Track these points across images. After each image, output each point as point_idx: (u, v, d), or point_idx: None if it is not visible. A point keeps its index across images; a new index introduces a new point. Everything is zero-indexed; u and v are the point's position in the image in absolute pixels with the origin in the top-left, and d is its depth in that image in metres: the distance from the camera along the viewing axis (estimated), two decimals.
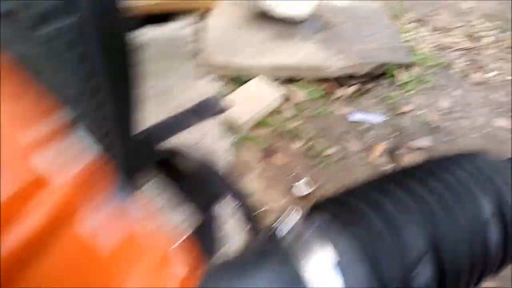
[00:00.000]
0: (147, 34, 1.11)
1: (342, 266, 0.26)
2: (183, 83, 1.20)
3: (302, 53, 1.92)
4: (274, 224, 0.29)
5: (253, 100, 1.72)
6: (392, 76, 1.97)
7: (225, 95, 1.73)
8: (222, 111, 0.45)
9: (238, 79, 1.84)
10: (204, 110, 0.44)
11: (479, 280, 0.30)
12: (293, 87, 1.89)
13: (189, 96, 1.16)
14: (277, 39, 1.98)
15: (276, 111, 1.79)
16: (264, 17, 2.04)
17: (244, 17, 2.07)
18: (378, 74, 1.98)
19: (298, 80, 1.92)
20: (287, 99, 1.84)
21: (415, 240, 0.27)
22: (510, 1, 2.46)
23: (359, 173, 1.60)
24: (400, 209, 0.28)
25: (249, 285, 0.27)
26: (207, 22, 2.00)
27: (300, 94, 1.87)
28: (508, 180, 0.30)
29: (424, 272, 0.27)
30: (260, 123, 1.72)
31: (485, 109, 1.89)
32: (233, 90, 1.77)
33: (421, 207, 0.28)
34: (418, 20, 2.38)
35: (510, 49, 2.18)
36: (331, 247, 0.26)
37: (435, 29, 2.32)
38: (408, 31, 2.27)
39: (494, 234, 0.29)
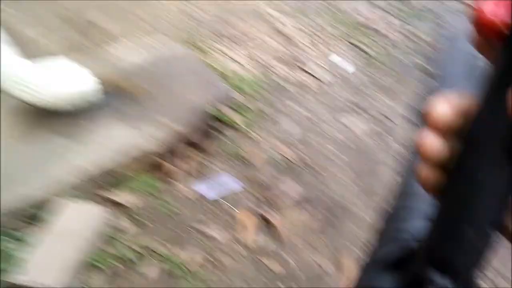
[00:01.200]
0: None
1: None
2: None
3: (109, 144, 1.48)
4: None
5: (74, 238, 1.23)
6: (225, 122, 1.68)
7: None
8: None
9: (37, 218, 1.30)
10: None
11: None
12: (119, 191, 1.44)
13: None
14: (70, 139, 1.49)
15: (111, 237, 1.32)
16: (44, 114, 1.52)
17: (17, 128, 1.52)
18: (208, 130, 1.66)
19: (120, 179, 1.47)
20: (116, 212, 1.38)
21: None
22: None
23: (241, 278, 1.26)
24: None
25: None
26: None
27: (131, 197, 1.43)
28: None
29: None
30: (94, 266, 1.24)
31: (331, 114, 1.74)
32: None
33: None
34: (220, 41, 2.13)
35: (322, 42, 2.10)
36: None
37: (241, 44, 2.11)
38: (216, 61, 2.00)
39: None
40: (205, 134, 1.66)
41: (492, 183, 0.19)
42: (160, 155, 1.54)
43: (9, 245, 1.21)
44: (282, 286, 1.23)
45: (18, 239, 1.24)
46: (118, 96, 1.69)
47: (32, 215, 1.30)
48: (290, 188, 1.50)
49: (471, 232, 0.21)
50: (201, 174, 1.54)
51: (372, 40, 2.15)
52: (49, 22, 2.45)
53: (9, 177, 1.34)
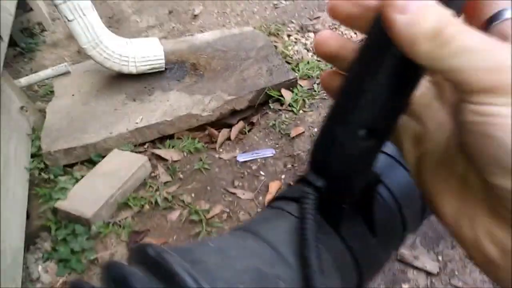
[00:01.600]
0: None
1: None
2: None
3: (164, 107, 1.61)
4: None
5: (107, 181, 1.38)
6: (278, 99, 1.68)
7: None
8: None
9: (91, 161, 1.50)
10: None
11: None
12: (164, 148, 1.56)
13: None
14: (134, 100, 1.67)
15: (145, 183, 1.44)
16: (121, 77, 1.75)
17: (94, 86, 1.78)
18: (261, 103, 1.68)
19: (168, 138, 1.60)
20: (157, 164, 1.50)
21: None
22: None
23: None
24: None
25: None
26: (48, 106, 1.71)
27: (173, 153, 1.54)
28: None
29: None
30: (124, 205, 1.37)
31: None
32: (85, 174, 1.43)
33: None
34: (299, 31, 2.14)
35: None
36: None
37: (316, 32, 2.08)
38: (288, 46, 2.01)
39: None
40: (256, 110, 1.68)
41: (372, 91, 0.19)
42: (209, 122, 1.62)
43: (61, 177, 1.42)
44: None
45: (69, 174, 1.44)
46: (184, 67, 1.84)
47: (88, 158, 1.50)
48: None
49: (341, 134, 0.21)
50: (241, 141, 1.56)
51: None
52: (157, 12, 2.79)
53: (78, 124, 1.58)
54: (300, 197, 0.23)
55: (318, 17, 2.19)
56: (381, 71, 0.19)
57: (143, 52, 1.73)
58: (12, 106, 1.57)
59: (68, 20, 1.55)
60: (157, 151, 1.54)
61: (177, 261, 0.19)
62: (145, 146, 1.57)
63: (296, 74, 1.74)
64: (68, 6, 1.53)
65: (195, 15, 2.56)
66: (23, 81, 1.87)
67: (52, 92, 2.03)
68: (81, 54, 2.59)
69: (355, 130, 0.21)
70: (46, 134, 1.54)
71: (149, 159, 1.49)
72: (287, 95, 1.65)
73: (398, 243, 0.30)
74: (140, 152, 1.53)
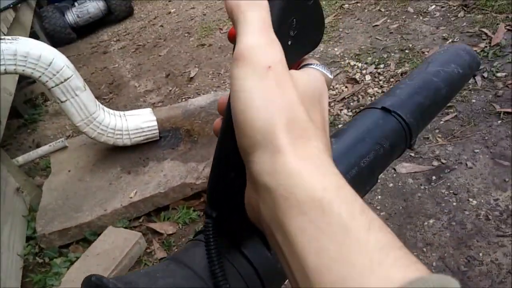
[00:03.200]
0: None
1: None
2: None
3: (158, 178, 1.61)
4: None
5: (102, 262, 1.35)
6: None
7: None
8: None
9: (86, 240, 1.49)
10: None
11: None
12: (159, 221, 1.55)
13: None
14: (129, 172, 1.68)
15: (141, 260, 1.41)
16: (115, 151, 1.77)
17: (89, 161, 1.79)
18: None
19: (163, 209, 1.58)
20: (152, 239, 1.48)
21: None
22: (376, 36, 2.31)
23: None
24: None
25: None
26: (44, 184, 1.72)
27: (168, 226, 1.52)
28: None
29: None
30: None
31: None
32: (80, 255, 1.41)
33: None
34: None
35: (387, 80, 1.94)
36: None
37: None
38: None
39: None
40: None
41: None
42: (204, 189, 1.61)
43: (56, 260, 1.40)
44: None
45: (64, 255, 1.42)
46: (178, 134, 1.85)
47: (82, 237, 1.49)
48: None
49: (218, 170, 0.28)
50: None
51: None
52: (155, 76, 2.86)
53: (73, 202, 1.58)
54: (204, 226, 0.30)
55: None
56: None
57: (137, 124, 1.76)
58: (7, 189, 1.59)
59: (61, 102, 1.59)
60: (151, 225, 1.52)
61: (113, 283, 0.25)
62: (140, 220, 1.56)
63: None
64: (60, 89, 1.57)
65: (191, 78, 2.62)
66: (21, 159, 1.90)
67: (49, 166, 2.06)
68: None
69: (226, 174, 0.28)
70: (41, 216, 1.54)
71: (144, 234, 1.47)
72: None
73: None
74: (135, 227, 1.51)
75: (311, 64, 0.28)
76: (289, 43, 0.27)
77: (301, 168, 0.21)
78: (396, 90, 0.48)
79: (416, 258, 0.19)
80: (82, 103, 1.62)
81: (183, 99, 2.42)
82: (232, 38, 0.26)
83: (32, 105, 3.06)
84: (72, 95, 1.60)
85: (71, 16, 4.41)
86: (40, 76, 1.56)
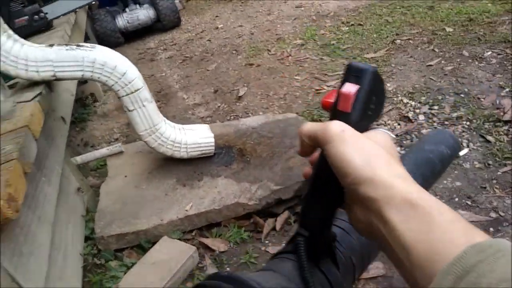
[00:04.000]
0: None
1: None
2: None
3: (213, 194, 1.66)
4: None
5: (158, 271, 1.40)
6: None
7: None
8: None
9: (141, 247, 1.54)
10: None
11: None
12: (210, 237, 1.59)
13: None
14: (185, 185, 1.74)
15: (193, 274, 1.45)
16: (170, 161, 1.83)
17: (145, 169, 1.86)
18: None
19: (215, 226, 1.63)
20: (203, 253, 1.52)
21: None
22: (430, 76, 2.33)
23: None
24: None
25: None
26: (101, 186, 1.79)
27: (220, 243, 1.56)
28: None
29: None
30: None
31: None
32: (134, 264, 1.46)
33: None
34: None
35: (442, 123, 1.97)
36: None
37: None
38: None
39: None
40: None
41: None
42: (254, 210, 1.65)
43: (111, 263, 1.46)
44: None
45: (120, 259, 1.48)
46: (231, 153, 1.91)
47: (138, 243, 1.54)
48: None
49: (313, 199, 0.41)
50: (286, 233, 1.58)
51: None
52: (203, 91, 2.94)
53: (131, 209, 1.64)
54: (295, 244, 0.41)
55: None
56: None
57: (195, 138, 1.82)
58: (69, 188, 1.66)
59: (129, 110, 1.67)
60: (204, 240, 1.56)
61: (244, 275, 0.35)
62: (193, 234, 1.61)
63: None
64: (130, 99, 1.65)
65: (240, 96, 2.69)
66: (79, 159, 1.99)
67: (103, 165, 2.14)
68: (130, 128, 2.74)
69: (320, 203, 0.41)
70: (100, 217, 1.60)
71: (197, 248, 1.51)
72: None
73: (352, 278, 0.48)
74: (188, 240, 1.56)
75: (377, 128, 0.40)
76: (369, 113, 0.39)
77: (394, 182, 0.32)
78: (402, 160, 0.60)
79: (474, 226, 0.30)
80: (148, 114, 1.69)
81: (232, 117, 2.48)
82: (327, 105, 0.40)
83: (82, 105, 3.17)
84: (140, 105, 1.67)
85: (122, 20, 4.57)
86: (113, 85, 1.64)
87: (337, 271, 0.44)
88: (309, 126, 0.38)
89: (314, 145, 0.38)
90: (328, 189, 0.39)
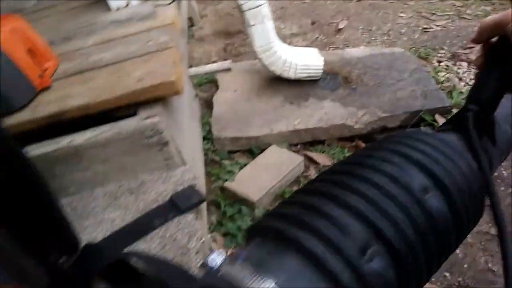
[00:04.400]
0: (102, 134, 1.01)
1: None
2: (158, 174, 1.06)
3: (319, 114, 1.74)
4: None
5: (269, 173, 1.54)
6: (430, 124, 1.71)
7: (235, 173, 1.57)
8: (201, 201, 0.46)
9: (251, 152, 1.68)
10: (181, 202, 0.48)
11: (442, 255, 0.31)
12: (314, 152, 1.69)
13: (163, 189, 1.01)
14: (292, 103, 1.83)
15: (298, 180, 1.58)
16: (278, 81, 1.92)
17: (256, 84, 1.97)
18: (413, 124, 1.73)
19: (319, 143, 1.72)
20: (308, 165, 1.63)
21: (358, 234, 0.27)
22: None
23: None
24: (338, 207, 0.29)
25: None
26: (214, 96, 1.93)
27: (324, 158, 1.66)
28: (444, 151, 0.34)
29: (375, 261, 0.27)
30: (280, 196, 1.52)
31: None
32: (246, 164, 1.60)
33: (358, 200, 0.29)
34: (450, 58, 2.14)
35: None
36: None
37: (471, 64, 2.06)
38: (440, 72, 2.03)
39: (434, 203, 0.31)
40: (405, 128, 1.74)
41: None
42: (358, 134, 1.72)
43: (226, 161, 1.61)
44: None
45: (233, 160, 1.63)
46: (336, 79, 1.95)
47: (248, 148, 1.69)
48: None
49: (485, 77, 0.43)
50: None
51: None
52: (300, 22, 2.95)
53: (242, 117, 1.77)
54: (463, 119, 0.41)
55: (472, 47, 2.17)
56: None
57: (305, 60, 1.88)
58: (190, 93, 1.82)
59: (250, 25, 1.75)
60: (309, 154, 1.67)
61: None
62: (298, 147, 1.71)
63: (452, 100, 1.76)
64: (252, 13, 1.72)
65: (339, 29, 2.67)
66: (192, 71, 2.13)
67: (205, 83, 2.28)
68: (226, 52, 2.85)
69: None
70: (216, 122, 1.75)
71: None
72: (441, 121, 1.69)
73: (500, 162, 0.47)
74: (294, 152, 1.67)
75: None
76: None
77: None
78: None
79: None
80: (266, 31, 1.76)
81: (331, 48, 2.49)
82: None
83: None
84: (260, 21, 1.74)
85: None
86: None
87: (495, 151, 0.44)
88: (491, 16, 0.40)
89: (494, 31, 0.41)
90: (505, 67, 0.41)
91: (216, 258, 0.29)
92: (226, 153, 1.67)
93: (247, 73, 2.08)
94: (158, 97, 1.06)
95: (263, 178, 1.50)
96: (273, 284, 0.25)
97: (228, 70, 2.15)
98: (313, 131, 1.70)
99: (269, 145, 1.67)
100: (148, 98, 1.05)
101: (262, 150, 1.66)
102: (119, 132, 1.00)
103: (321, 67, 1.89)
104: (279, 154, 1.62)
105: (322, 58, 1.89)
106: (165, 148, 1.05)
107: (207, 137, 1.72)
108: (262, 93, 1.91)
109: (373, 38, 2.49)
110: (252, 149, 1.68)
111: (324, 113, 1.75)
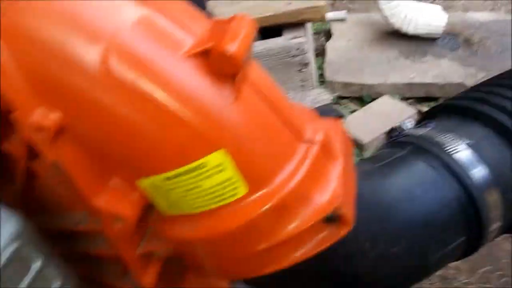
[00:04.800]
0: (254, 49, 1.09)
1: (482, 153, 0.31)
2: (293, 94, 1.13)
3: (436, 71, 1.71)
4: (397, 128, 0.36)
5: (380, 119, 1.56)
6: None
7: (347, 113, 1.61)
8: (340, 116, 0.45)
9: (362, 99, 1.71)
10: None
11: None
12: (425, 107, 1.68)
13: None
14: (407, 57, 1.81)
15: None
16: (394, 35, 1.90)
17: (370, 36, 1.96)
18: None
19: (431, 100, 1.70)
20: (413, 119, 1.63)
21: None
22: None
23: None
24: None
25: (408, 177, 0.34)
26: (328, 43, 1.96)
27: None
28: None
29: None
30: None
31: None
32: (355, 110, 1.64)
33: None
34: None
35: None
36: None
37: None
38: None
39: None
40: None
41: None
42: None
43: (335, 106, 1.66)
44: None
45: (343, 104, 1.68)
46: (456, 40, 1.89)
47: (359, 95, 1.71)
48: None
49: None
50: None
51: None
52: None
53: (355, 65, 1.79)
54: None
55: None
56: None
57: (427, 17, 1.83)
58: None
59: None
60: (422, 109, 1.66)
61: None
62: (409, 101, 1.71)
63: None
64: None
65: None
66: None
67: (316, 32, 2.30)
68: (333, 7, 2.83)
69: None
70: (328, 66, 1.79)
71: None
72: None
73: None
74: (405, 103, 1.67)
75: None
76: None
77: None
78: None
79: None
80: None
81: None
82: None
83: None
84: None
85: None
86: None
87: None
88: None
89: None
90: None
91: (407, 123, 0.38)
92: (336, 98, 1.71)
93: (362, 25, 2.07)
94: (304, 21, 1.13)
95: (374, 123, 1.53)
96: (465, 145, 0.33)
97: (343, 20, 2.15)
98: (429, 86, 1.68)
99: (380, 95, 1.69)
100: (296, 21, 1.11)
101: (372, 100, 1.67)
102: (270, 48, 1.08)
103: (442, 26, 1.84)
104: (392, 104, 1.63)
105: (446, 16, 1.83)
106: (305, 69, 1.12)
107: (319, 81, 1.77)
108: (376, 45, 1.91)
109: (496, 6, 2.34)
110: (363, 96, 1.70)
111: (441, 70, 1.71)
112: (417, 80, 1.68)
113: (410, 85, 1.68)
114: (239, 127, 0.30)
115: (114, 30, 0.27)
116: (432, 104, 1.69)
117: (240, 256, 0.31)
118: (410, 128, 0.42)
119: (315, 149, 0.34)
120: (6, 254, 0.27)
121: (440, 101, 1.70)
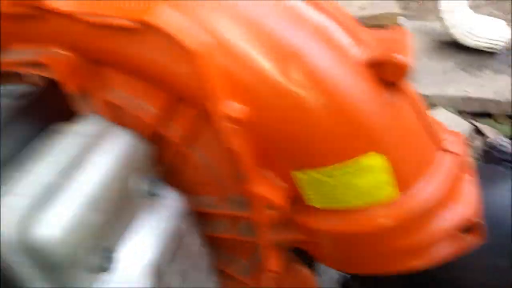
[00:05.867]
0: None
1: None
2: None
3: (494, 87, 1.68)
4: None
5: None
6: None
7: None
8: None
9: None
10: None
11: None
12: (480, 123, 1.65)
13: None
14: (464, 70, 1.78)
15: None
16: (451, 45, 1.88)
17: (424, 45, 1.94)
18: None
19: (487, 116, 1.68)
20: (474, 135, 1.61)
21: None
22: None
23: None
24: None
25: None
26: None
27: (490, 131, 1.62)
28: None
29: None
30: None
31: None
32: None
33: None
34: None
35: None
36: None
37: None
38: None
39: None
40: None
41: None
42: None
43: None
44: None
45: None
46: None
47: None
48: None
49: None
50: None
51: None
52: None
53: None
54: None
55: None
56: None
57: (489, 30, 1.80)
58: None
59: None
60: (476, 124, 1.64)
61: None
62: (463, 115, 1.68)
63: None
64: None
65: None
66: None
67: None
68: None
69: None
70: None
71: None
72: None
73: None
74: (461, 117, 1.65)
75: None
76: None
77: None
78: None
79: None
80: None
81: None
82: None
83: None
84: None
85: None
86: None
87: None
88: None
89: None
90: None
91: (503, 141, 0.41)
92: None
93: (418, 32, 2.05)
94: (375, 26, 1.13)
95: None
96: None
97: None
98: (485, 102, 1.65)
99: (434, 106, 1.67)
100: (369, 26, 1.12)
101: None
102: None
103: (504, 41, 1.80)
104: (447, 116, 1.62)
105: (509, 32, 1.80)
106: None
107: None
108: (432, 54, 1.89)
109: None
110: None
111: (499, 86, 1.68)
112: (474, 94, 1.65)
113: (466, 99, 1.66)
114: (393, 131, 0.32)
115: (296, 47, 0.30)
116: (487, 120, 1.67)
117: (380, 252, 0.33)
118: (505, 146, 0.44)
119: (451, 158, 0.36)
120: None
121: (496, 118, 1.68)
